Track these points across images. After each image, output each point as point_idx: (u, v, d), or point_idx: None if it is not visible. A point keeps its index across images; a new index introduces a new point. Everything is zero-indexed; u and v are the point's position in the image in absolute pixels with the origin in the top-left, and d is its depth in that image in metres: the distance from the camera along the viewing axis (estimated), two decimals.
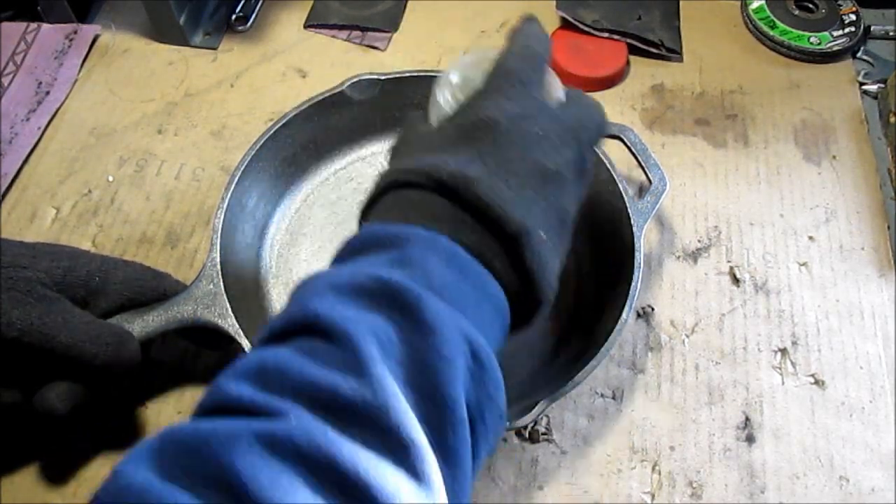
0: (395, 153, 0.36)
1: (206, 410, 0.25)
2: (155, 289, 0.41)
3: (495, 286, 0.30)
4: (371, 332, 0.25)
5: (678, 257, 0.52)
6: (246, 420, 0.23)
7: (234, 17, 0.65)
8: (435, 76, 0.52)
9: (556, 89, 0.37)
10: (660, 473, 0.44)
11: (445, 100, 0.36)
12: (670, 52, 0.63)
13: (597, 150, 0.48)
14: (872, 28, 0.65)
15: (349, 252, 0.31)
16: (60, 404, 0.38)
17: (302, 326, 0.26)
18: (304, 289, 0.28)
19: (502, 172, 0.31)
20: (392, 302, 0.27)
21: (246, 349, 0.40)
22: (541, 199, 0.32)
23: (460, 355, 0.26)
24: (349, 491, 0.22)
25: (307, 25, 0.65)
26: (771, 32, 0.64)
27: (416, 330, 0.26)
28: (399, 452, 0.23)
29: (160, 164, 0.56)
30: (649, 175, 0.48)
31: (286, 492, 0.21)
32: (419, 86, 0.52)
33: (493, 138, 0.32)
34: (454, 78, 0.37)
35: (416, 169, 0.31)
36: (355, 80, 0.51)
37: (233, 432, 0.22)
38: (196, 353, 0.47)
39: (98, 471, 0.43)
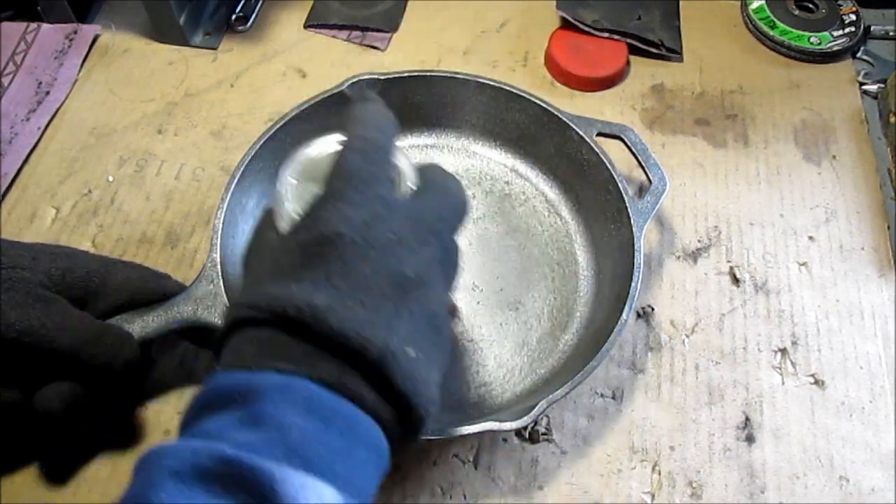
0: (245, 273, 0.34)
1: None
2: (154, 290, 0.41)
3: (366, 423, 0.28)
4: None
5: (678, 257, 0.52)
6: None
7: (234, 17, 0.65)
8: (435, 76, 0.52)
9: (407, 177, 0.34)
10: (660, 473, 0.44)
11: (290, 207, 0.34)
12: (670, 52, 0.63)
13: (583, 135, 0.46)
14: (872, 28, 0.65)
15: (198, 409, 0.28)
16: (60, 404, 0.38)
17: None
18: (144, 474, 0.25)
19: (355, 292, 0.28)
20: (242, 486, 0.24)
21: None
22: (403, 312, 0.29)
23: None
24: None
25: (307, 25, 0.65)
26: (771, 32, 0.64)
27: None
28: None
29: (160, 164, 0.56)
30: (649, 175, 0.48)
31: None
32: (419, 86, 0.52)
33: (339, 254, 0.29)
34: (293, 180, 0.34)
35: (259, 304, 0.28)
36: (355, 80, 0.51)
37: None
38: (196, 353, 0.47)
39: (98, 471, 0.43)
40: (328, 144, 0.35)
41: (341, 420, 0.27)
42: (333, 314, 0.27)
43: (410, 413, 0.29)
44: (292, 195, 0.34)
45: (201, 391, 0.28)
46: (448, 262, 0.33)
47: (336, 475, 0.26)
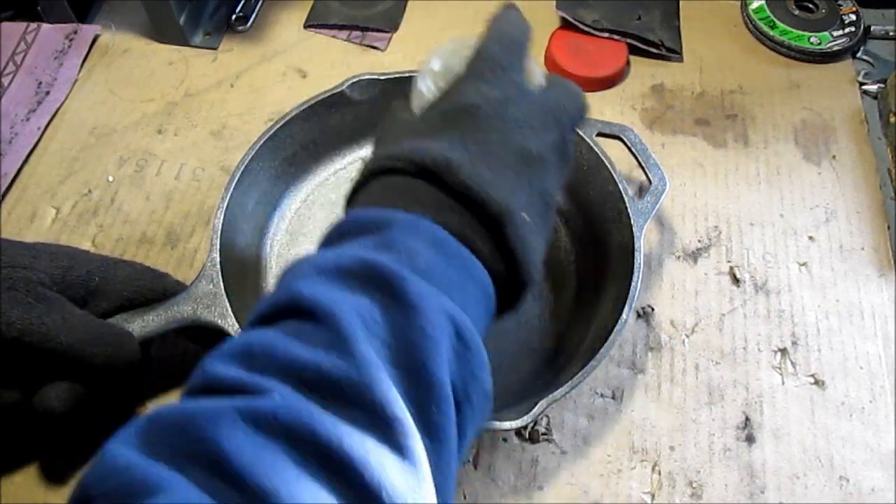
0: (378, 141, 0.37)
1: (193, 391, 0.25)
2: (155, 289, 0.41)
3: (480, 268, 0.30)
4: (355, 313, 0.26)
5: (678, 257, 0.52)
6: (231, 398, 0.23)
7: (234, 17, 0.65)
8: None
9: (537, 74, 0.37)
10: (660, 473, 0.44)
11: (427, 87, 0.36)
12: (670, 52, 0.63)
13: (582, 135, 0.49)
14: (872, 28, 0.65)
15: (335, 237, 0.31)
16: (60, 404, 0.38)
17: (288, 308, 0.27)
18: (291, 272, 0.29)
19: (485, 156, 0.31)
20: (376, 283, 0.27)
21: None
22: (523, 182, 0.32)
23: (444, 335, 0.27)
24: (333, 466, 0.22)
25: (307, 25, 0.65)
26: (771, 32, 0.64)
27: (401, 310, 0.26)
28: (383, 429, 0.24)
29: (160, 164, 0.56)
30: (649, 175, 0.48)
31: (270, 467, 0.21)
32: None
33: (474, 123, 0.32)
34: (435, 66, 0.37)
35: (399, 155, 0.31)
36: (355, 80, 0.51)
37: (217, 410, 0.22)
38: (196, 353, 0.47)
39: None
40: (466, 40, 0.37)
41: (460, 260, 0.30)
42: (465, 170, 0.30)
43: (518, 271, 0.31)
44: (432, 80, 0.36)
45: (336, 223, 0.31)
46: (565, 151, 0.35)
47: (454, 301, 0.28)
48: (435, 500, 0.25)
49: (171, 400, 0.45)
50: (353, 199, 0.34)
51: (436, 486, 0.25)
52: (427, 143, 0.32)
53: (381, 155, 0.33)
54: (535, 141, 0.33)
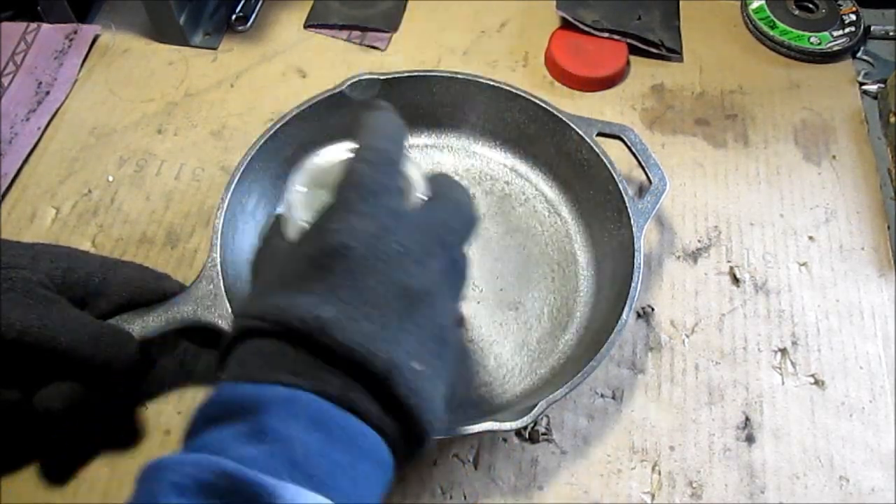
0: (252, 278, 0.34)
1: None
2: (154, 290, 0.41)
3: (370, 438, 0.28)
4: None
5: (678, 257, 0.52)
6: None
7: (234, 17, 0.65)
8: (435, 76, 0.52)
9: (417, 187, 0.34)
10: (660, 473, 0.44)
11: (298, 215, 0.34)
12: (670, 52, 0.63)
13: (583, 135, 0.47)
14: (872, 28, 0.65)
15: (201, 421, 0.28)
16: (60, 404, 0.38)
17: None
18: (146, 486, 0.25)
19: (361, 306, 0.28)
20: (242, 502, 0.24)
21: None
22: (409, 325, 0.29)
23: None
24: None
25: (307, 25, 0.65)
26: (771, 32, 0.64)
27: None
28: None
29: (160, 164, 0.56)
30: (649, 175, 0.48)
31: None
32: (419, 86, 0.53)
33: (346, 267, 0.29)
34: (302, 189, 0.35)
35: (265, 315, 0.28)
36: (355, 80, 0.51)
37: None
38: (196, 353, 0.47)
39: (98, 471, 0.43)
40: (337, 153, 0.35)
41: (345, 434, 0.27)
42: (339, 327, 0.27)
43: (415, 427, 0.29)
44: (301, 203, 0.34)
45: (205, 402, 0.28)
46: (456, 274, 0.33)
47: (339, 490, 0.26)
48: None
49: (170, 400, 0.45)
50: (222, 363, 0.31)
51: None
52: (295, 297, 0.28)
53: (247, 314, 0.30)
54: (419, 275, 0.30)
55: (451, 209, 0.34)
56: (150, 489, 0.25)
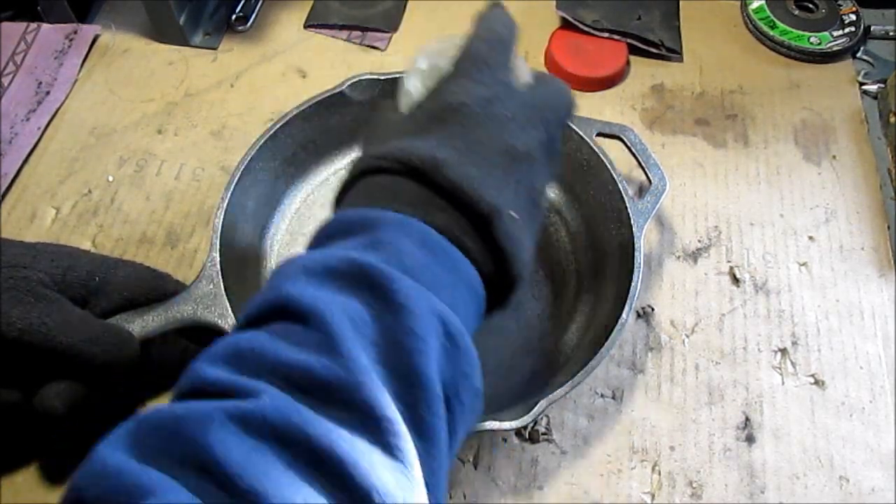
0: (366, 141, 0.36)
1: (182, 394, 0.25)
2: (155, 289, 0.41)
3: (468, 266, 0.30)
4: (344, 313, 0.26)
5: (678, 257, 0.52)
6: (220, 401, 0.23)
7: (234, 17, 0.65)
8: None
9: (523, 72, 0.37)
10: (660, 473, 0.44)
11: (415, 87, 0.36)
12: (670, 52, 0.63)
13: (583, 135, 0.49)
14: (872, 28, 0.65)
15: (324, 237, 0.31)
16: (60, 404, 0.38)
17: (276, 310, 0.27)
18: (279, 273, 0.29)
19: (472, 154, 0.31)
20: (364, 283, 0.27)
21: None
22: (510, 180, 0.32)
23: (433, 334, 0.27)
24: (324, 467, 0.22)
25: (307, 25, 0.65)
26: (771, 32, 0.64)
27: (389, 309, 0.26)
28: (373, 429, 0.24)
29: (160, 164, 0.56)
30: (649, 175, 0.48)
31: (261, 469, 0.21)
32: None
33: (461, 121, 0.32)
34: (422, 65, 0.37)
35: (387, 154, 0.31)
36: (355, 80, 0.51)
37: (206, 413, 0.22)
38: (196, 353, 0.47)
39: None
40: (453, 39, 0.37)
41: (449, 260, 0.30)
42: (452, 168, 0.30)
43: (507, 271, 0.31)
44: (419, 80, 0.36)
45: (325, 223, 0.31)
46: (552, 149, 0.35)
47: (443, 299, 0.28)
48: (426, 501, 0.25)
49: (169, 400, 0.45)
50: (341, 199, 0.34)
51: (427, 486, 0.25)
52: (414, 142, 0.32)
53: (368, 154, 0.33)
54: (522, 138, 0.33)
55: (553, 93, 0.36)
56: (284, 272, 0.28)
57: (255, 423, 0.22)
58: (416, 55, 0.38)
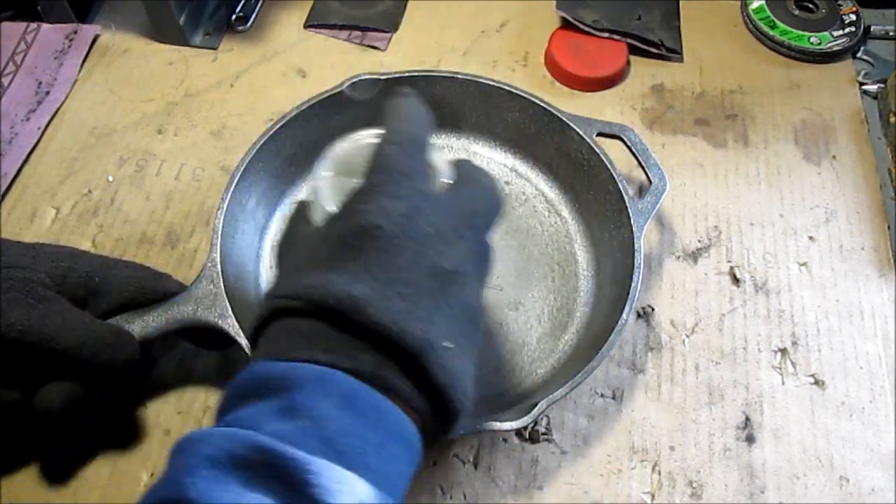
0: (279, 262, 0.35)
1: None
2: (155, 289, 0.41)
3: (399, 417, 0.28)
4: None
5: (678, 257, 0.52)
6: None
7: (234, 17, 0.65)
8: (435, 76, 0.52)
9: (443, 173, 0.34)
10: (660, 473, 0.44)
11: (326, 199, 0.34)
12: (670, 52, 0.63)
13: (583, 135, 0.47)
14: (872, 28, 0.65)
15: (233, 398, 0.28)
16: (60, 404, 0.38)
17: None
18: (180, 459, 0.26)
19: (394, 284, 0.29)
20: (277, 476, 0.24)
21: (245, 349, 0.40)
22: (441, 304, 0.29)
23: None
24: None
25: (307, 25, 0.65)
26: (771, 32, 0.64)
27: None
28: None
29: (160, 164, 0.56)
30: (649, 175, 0.48)
31: None
32: (419, 86, 0.52)
33: (378, 246, 0.29)
34: (328, 174, 0.35)
35: (300, 294, 0.29)
36: (355, 80, 0.51)
37: None
38: (196, 353, 0.47)
39: (98, 471, 0.43)
40: (361, 139, 0.35)
41: (376, 414, 0.27)
42: (372, 305, 0.28)
43: (446, 406, 0.29)
44: (328, 189, 0.34)
45: (237, 379, 0.28)
46: (483, 257, 0.33)
47: (369, 469, 0.26)
48: None
49: (170, 400, 0.45)
50: (255, 340, 0.31)
51: None
52: (327, 276, 0.29)
53: (279, 293, 0.30)
54: (450, 254, 0.30)
55: (478, 193, 0.34)
56: (184, 461, 0.25)
57: None
58: (319, 163, 0.35)
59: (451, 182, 0.34)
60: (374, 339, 0.28)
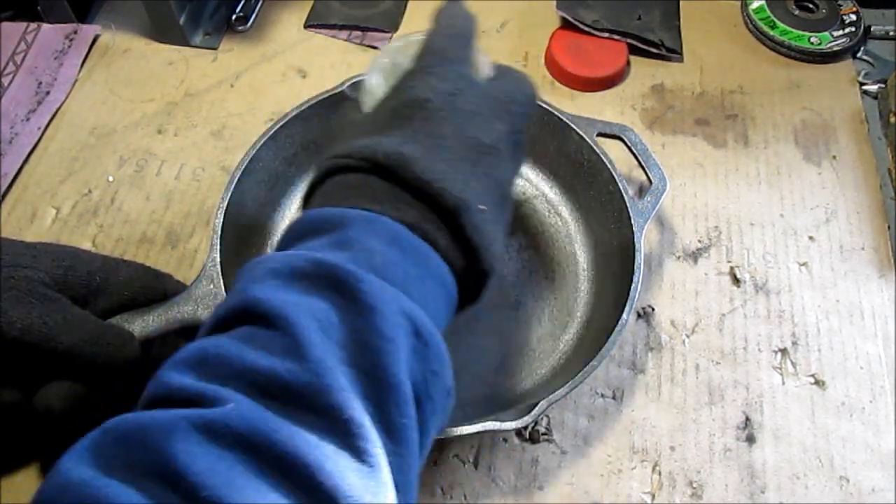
0: (332, 142, 0.36)
1: (148, 402, 0.25)
2: (155, 289, 0.41)
3: (438, 262, 0.30)
4: (311, 315, 0.26)
5: (678, 257, 0.52)
6: (184, 410, 0.23)
7: (234, 17, 0.65)
8: None
9: (485, 65, 0.37)
10: (660, 474, 0.44)
11: (377, 85, 0.36)
12: (670, 52, 0.63)
13: (583, 135, 0.49)
14: (873, 28, 0.65)
15: (292, 237, 0.31)
16: (60, 404, 0.38)
17: (243, 314, 0.26)
18: (246, 275, 0.29)
19: (437, 149, 0.31)
20: (331, 284, 0.27)
21: None
22: (478, 172, 0.32)
23: (402, 334, 0.26)
24: (291, 474, 0.22)
25: (307, 25, 0.65)
26: (771, 32, 0.64)
27: (356, 311, 0.26)
28: (341, 433, 0.23)
29: (160, 164, 0.56)
30: (649, 175, 0.48)
31: (226, 478, 0.21)
32: None
33: (425, 116, 0.32)
34: (384, 63, 0.37)
35: (352, 152, 0.31)
36: (355, 80, 0.51)
37: (170, 421, 0.22)
38: None
39: None
40: (413, 36, 0.37)
41: (418, 254, 0.30)
42: (418, 163, 0.30)
43: (478, 263, 0.31)
44: (382, 77, 0.36)
45: (293, 223, 0.31)
46: (518, 141, 0.35)
47: (412, 296, 0.28)
48: (395, 502, 0.25)
49: None
50: (308, 199, 0.34)
51: (398, 486, 0.25)
52: (379, 138, 0.32)
53: (333, 154, 0.32)
54: (488, 131, 0.33)
55: (516, 85, 0.36)
56: (250, 274, 0.28)
57: (220, 432, 0.22)
58: (376, 54, 0.37)
59: (492, 75, 0.37)
60: (418, 194, 0.30)
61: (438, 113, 0.32)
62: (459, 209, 0.30)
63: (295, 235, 0.31)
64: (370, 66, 0.37)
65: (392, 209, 0.30)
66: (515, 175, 0.35)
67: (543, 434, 0.45)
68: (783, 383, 0.47)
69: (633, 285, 0.43)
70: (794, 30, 0.64)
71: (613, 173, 0.48)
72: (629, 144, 0.49)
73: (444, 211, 0.30)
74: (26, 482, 0.42)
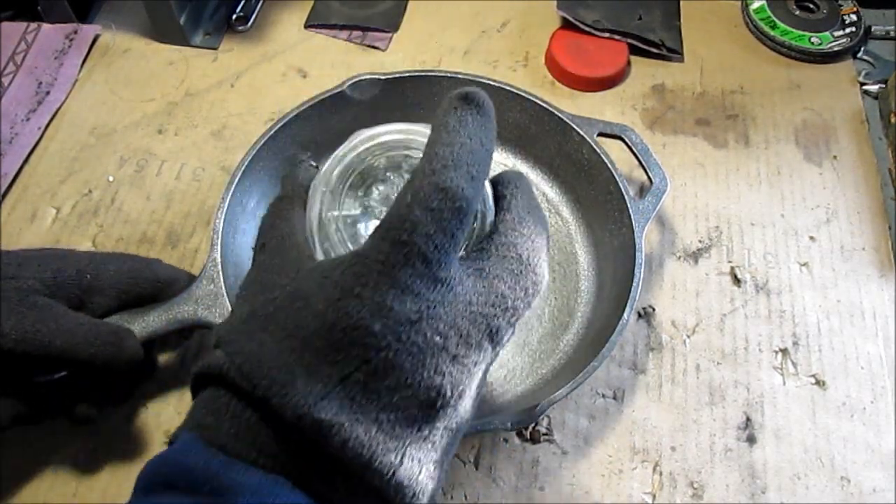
0: (254, 259, 0.29)
1: None
2: (147, 277, 0.41)
3: None
4: None
5: (679, 257, 0.52)
6: None
7: (234, 17, 0.65)
8: (435, 76, 0.52)
9: (487, 219, 0.27)
10: (661, 474, 0.44)
11: (322, 212, 0.29)
12: (671, 52, 0.63)
13: (584, 135, 0.43)
14: (873, 28, 0.65)
15: (160, 482, 0.24)
16: (6, 419, 0.38)
17: None
18: None
19: (371, 407, 0.24)
20: None
21: None
22: (426, 432, 0.25)
23: None
24: None
25: (307, 25, 0.65)
26: (771, 32, 0.64)
27: None
28: None
29: (160, 164, 0.56)
30: (650, 175, 0.48)
31: None
32: (419, 86, 0.52)
33: (365, 356, 0.24)
34: (334, 174, 0.28)
35: (257, 382, 0.24)
36: (355, 80, 0.51)
37: None
38: (196, 353, 0.47)
39: (98, 471, 0.43)
40: (378, 133, 0.29)
41: None
42: (339, 434, 0.23)
43: None
44: (329, 198, 0.29)
45: (167, 460, 0.24)
46: (490, 361, 0.27)
47: None
48: None
49: (170, 400, 0.45)
50: (195, 389, 0.27)
51: None
52: (295, 380, 0.24)
53: (229, 362, 0.25)
54: (453, 372, 0.25)
55: (515, 268, 0.27)
56: None
57: None
58: (325, 165, 0.29)
59: (488, 242, 0.28)
60: (335, 465, 0.24)
61: (385, 353, 0.24)
62: (396, 496, 0.24)
63: (166, 482, 0.24)
64: (318, 176, 0.28)
65: (293, 472, 0.23)
66: (476, 400, 0.27)
67: (544, 434, 0.45)
68: (784, 383, 0.47)
69: (634, 285, 0.43)
70: (794, 30, 0.64)
71: (614, 173, 0.48)
72: (630, 144, 0.49)
73: (376, 492, 0.24)
74: (26, 482, 0.42)
